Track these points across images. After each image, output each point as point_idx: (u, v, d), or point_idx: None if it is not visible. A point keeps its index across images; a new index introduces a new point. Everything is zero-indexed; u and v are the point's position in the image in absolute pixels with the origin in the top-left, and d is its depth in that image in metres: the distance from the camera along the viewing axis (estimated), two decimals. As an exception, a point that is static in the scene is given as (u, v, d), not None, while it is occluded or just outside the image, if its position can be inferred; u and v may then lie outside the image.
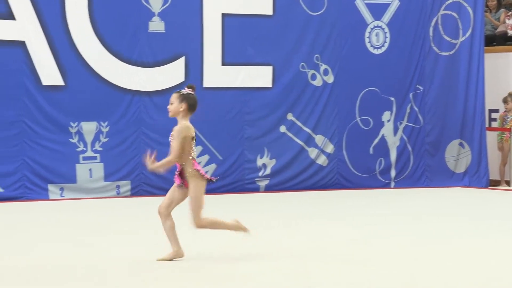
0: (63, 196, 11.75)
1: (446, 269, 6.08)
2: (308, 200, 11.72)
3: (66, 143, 11.85)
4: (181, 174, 6.43)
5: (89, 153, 11.97)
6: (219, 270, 6.00)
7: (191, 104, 6.49)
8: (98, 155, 11.99)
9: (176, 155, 6.39)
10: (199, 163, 6.71)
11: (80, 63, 11.82)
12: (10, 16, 11.51)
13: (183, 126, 6.43)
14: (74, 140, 11.90)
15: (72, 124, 11.86)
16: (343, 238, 7.78)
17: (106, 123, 12.02)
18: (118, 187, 12.05)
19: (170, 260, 6.35)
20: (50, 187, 11.75)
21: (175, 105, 6.50)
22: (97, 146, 11.99)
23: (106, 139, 12.04)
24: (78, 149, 11.91)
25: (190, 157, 6.39)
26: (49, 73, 11.69)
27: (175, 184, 6.47)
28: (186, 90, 6.55)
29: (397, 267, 6.17)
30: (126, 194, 12.08)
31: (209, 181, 6.42)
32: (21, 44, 11.57)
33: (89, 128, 11.93)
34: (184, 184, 6.41)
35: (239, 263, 6.28)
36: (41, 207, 10.93)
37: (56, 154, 11.78)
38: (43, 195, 11.69)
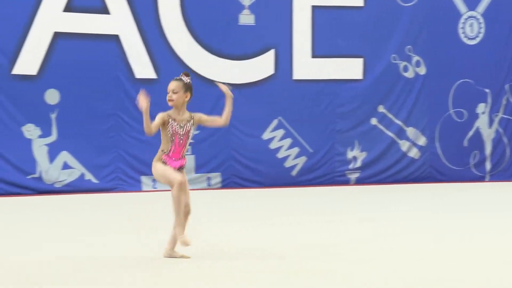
0: (156, 188, 11.95)
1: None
2: (388, 193, 11.52)
3: (158, 135, 12.01)
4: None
5: (181, 145, 12.12)
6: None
7: (192, 95, 6.37)
8: (189, 147, 12.11)
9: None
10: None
11: (172, 56, 12.00)
12: (105, 10, 11.77)
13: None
14: (166, 132, 12.06)
15: (164, 116, 12.03)
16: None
17: (197, 116, 12.15)
18: (208, 179, 12.17)
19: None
20: (143, 179, 11.97)
21: (180, 94, 6.29)
22: (189, 138, 12.12)
23: (197, 131, 12.17)
24: (170, 141, 12.07)
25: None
26: (142, 66, 11.91)
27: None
28: (187, 79, 6.36)
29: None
30: (217, 186, 12.19)
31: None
32: (115, 38, 11.82)
33: (180, 120, 12.09)
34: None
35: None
36: (133, 198, 11.13)
37: (148, 147, 11.95)
38: (136, 187, 11.92)
